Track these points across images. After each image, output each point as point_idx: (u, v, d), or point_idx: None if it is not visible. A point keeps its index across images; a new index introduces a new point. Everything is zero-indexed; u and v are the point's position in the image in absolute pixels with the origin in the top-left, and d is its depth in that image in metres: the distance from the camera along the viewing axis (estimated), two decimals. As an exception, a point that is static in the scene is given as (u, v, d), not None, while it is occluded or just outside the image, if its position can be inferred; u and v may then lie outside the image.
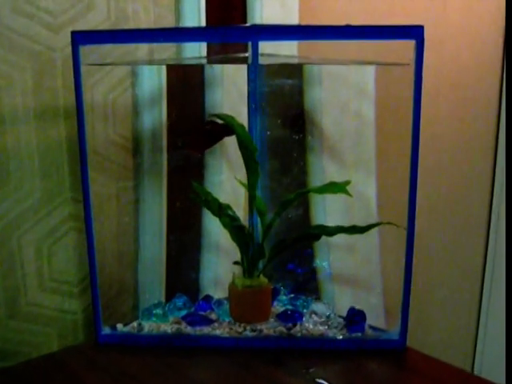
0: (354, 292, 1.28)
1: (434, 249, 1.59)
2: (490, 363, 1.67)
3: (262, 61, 1.01)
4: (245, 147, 0.97)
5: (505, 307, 1.58)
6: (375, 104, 1.22)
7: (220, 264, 1.22)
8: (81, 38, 0.92)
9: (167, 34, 0.97)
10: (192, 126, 1.19)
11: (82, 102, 0.95)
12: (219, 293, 1.16)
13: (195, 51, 1.14)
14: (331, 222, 1.18)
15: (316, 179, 1.24)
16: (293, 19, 1.21)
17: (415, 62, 0.91)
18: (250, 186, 1.02)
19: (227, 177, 1.20)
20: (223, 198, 1.13)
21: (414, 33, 0.91)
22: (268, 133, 1.15)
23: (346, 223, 1.05)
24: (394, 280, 1.03)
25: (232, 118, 0.97)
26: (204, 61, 1.15)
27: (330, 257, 1.26)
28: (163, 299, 1.17)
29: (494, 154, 1.58)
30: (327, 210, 1.26)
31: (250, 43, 0.99)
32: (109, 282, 1.15)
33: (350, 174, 1.26)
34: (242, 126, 0.98)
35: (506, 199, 1.45)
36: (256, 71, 1.03)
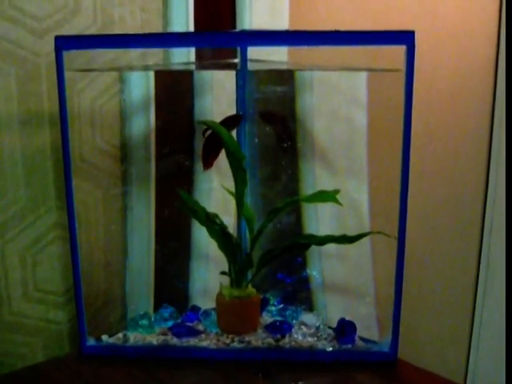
0: (345, 302, 1.26)
1: (427, 258, 1.58)
2: (482, 376, 1.65)
3: (251, 67, 1.00)
4: (232, 155, 0.95)
5: (499, 318, 1.57)
6: (367, 110, 1.21)
7: (209, 274, 1.20)
8: (64, 44, 0.91)
9: (155, 39, 0.95)
10: (181, 134, 1.18)
11: (66, 109, 0.93)
12: (208, 303, 1.14)
13: (184, 57, 1.12)
14: (323, 230, 1.17)
15: (308, 186, 1.22)
16: (282, 26, 1.20)
17: (406, 68, 0.90)
18: (238, 194, 1.01)
19: (217, 184, 1.18)
20: (213, 206, 1.11)
21: (405, 38, 0.89)
22: (256, 140, 1.14)
23: (338, 231, 1.04)
24: (387, 290, 1.01)
25: (218, 124, 0.95)
26: (193, 67, 1.14)
27: (321, 266, 1.24)
28: (151, 309, 1.15)
29: (488, 161, 1.56)
30: (319, 218, 1.24)
31: (238, 49, 0.98)
32: (95, 292, 1.14)
33: (342, 181, 1.25)
34: (229, 133, 0.96)
35: (506, 205, 1.44)
36: (245, 77, 1.01)
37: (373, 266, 1.27)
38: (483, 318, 1.63)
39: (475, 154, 1.57)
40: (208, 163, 0.99)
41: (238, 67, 0.99)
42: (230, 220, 1.11)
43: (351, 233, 1.03)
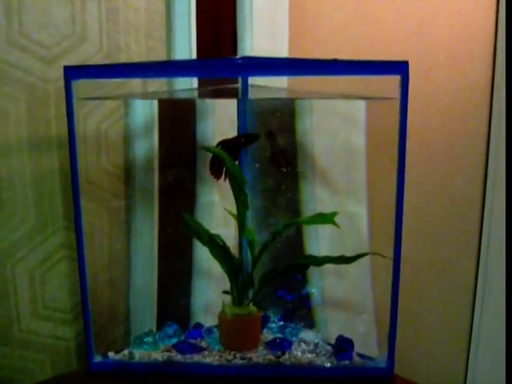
0: (345, 319, 1.29)
1: (424, 274, 1.60)
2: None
3: (252, 94, 1.03)
4: (234, 179, 0.99)
5: (497, 335, 1.58)
6: (366, 136, 1.24)
7: (211, 291, 1.23)
8: (73, 73, 0.94)
9: (157, 69, 0.98)
10: (183, 156, 1.21)
11: (75, 136, 0.96)
12: (210, 320, 1.17)
13: (187, 82, 1.15)
14: (323, 249, 1.19)
15: (309, 207, 1.25)
16: (282, 51, 1.22)
17: (400, 97, 0.92)
18: (240, 217, 1.04)
19: (218, 204, 1.21)
20: (214, 225, 1.14)
21: (399, 68, 0.92)
22: (257, 165, 1.17)
23: (338, 249, 1.06)
24: (386, 307, 1.04)
25: (220, 150, 0.98)
26: (195, 92, 1.17)
27: (321, 283, 1.27)
28: (154, 326, 1.18)
29: (484, 182, 1.59)
30: (320, 237, 1.26)
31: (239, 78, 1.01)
32: (101, 309, 1.16)
33: (342, 202, 1.28)
34: (231, 158, 0.98)
35: (505, 221, 1.45)
36: (246, 106, 1.05)
37: (372, 284, 1.29)
38: (481, 334, 1.65)
39: (472, 173, 1.60)
40: (218, 174, 1.01)
41: (239, 95, 1.03)
42: (230, 237, 1.13)
43: (351, 250, 1.05)
